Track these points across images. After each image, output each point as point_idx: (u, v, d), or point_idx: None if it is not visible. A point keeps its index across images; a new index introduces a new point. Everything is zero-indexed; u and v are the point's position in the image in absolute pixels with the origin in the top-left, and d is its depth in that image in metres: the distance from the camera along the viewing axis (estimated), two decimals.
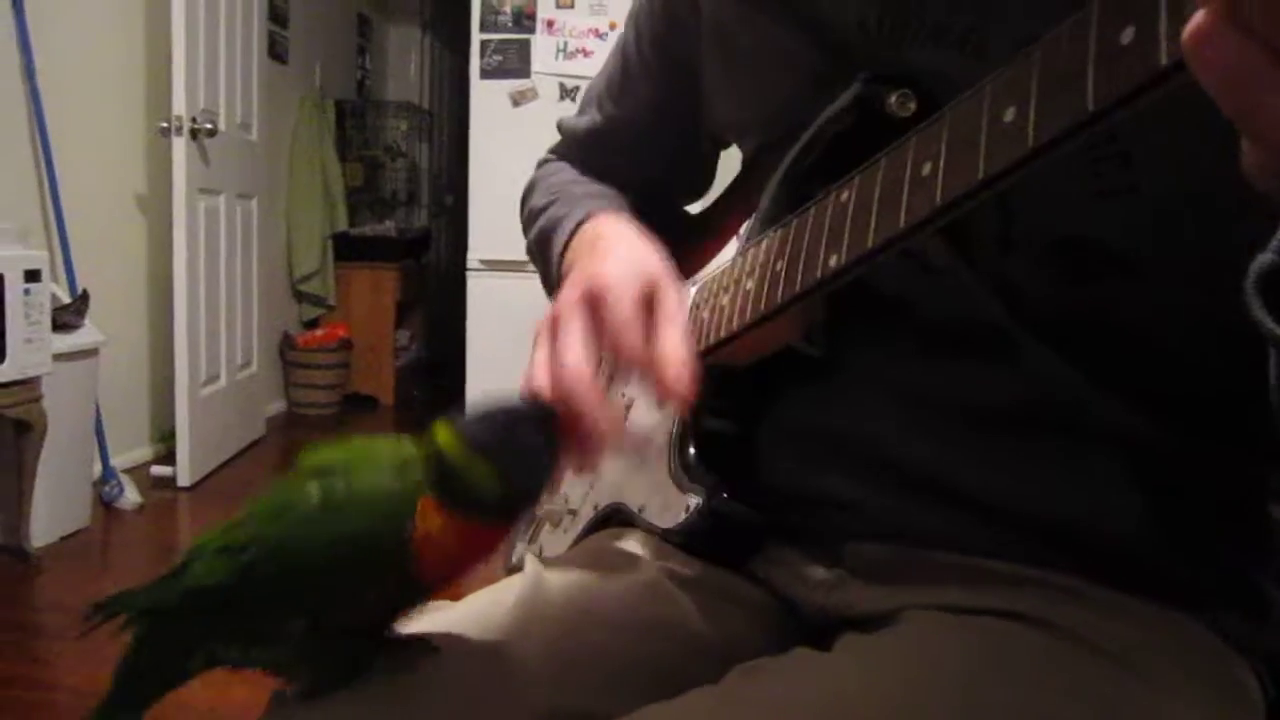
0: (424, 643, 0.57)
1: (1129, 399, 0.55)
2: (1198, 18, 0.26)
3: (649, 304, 0.56)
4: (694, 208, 0.88)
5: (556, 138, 0.91)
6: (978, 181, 0.41)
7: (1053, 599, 0.56)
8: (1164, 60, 0.33)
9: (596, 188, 0.81)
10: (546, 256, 0.77)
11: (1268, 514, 0.59)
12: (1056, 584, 0.56)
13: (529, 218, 0.84)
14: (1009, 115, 0.40)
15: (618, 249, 0.62)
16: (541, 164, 0.91)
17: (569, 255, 0.71)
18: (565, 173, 0.86)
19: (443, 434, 0.49)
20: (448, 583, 0.52)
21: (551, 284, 0.77)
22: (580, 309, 0.56)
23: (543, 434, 0.50)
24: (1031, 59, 0.40)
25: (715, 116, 0.74)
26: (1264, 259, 0.39)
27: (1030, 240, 0.54)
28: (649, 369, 0.53)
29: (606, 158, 0.84)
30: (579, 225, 0.72)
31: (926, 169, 0.45)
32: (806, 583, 0.65)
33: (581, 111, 0.87)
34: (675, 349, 0.53)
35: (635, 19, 0.80)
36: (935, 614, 0.57)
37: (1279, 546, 0.59)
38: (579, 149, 0.87)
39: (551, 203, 0.80)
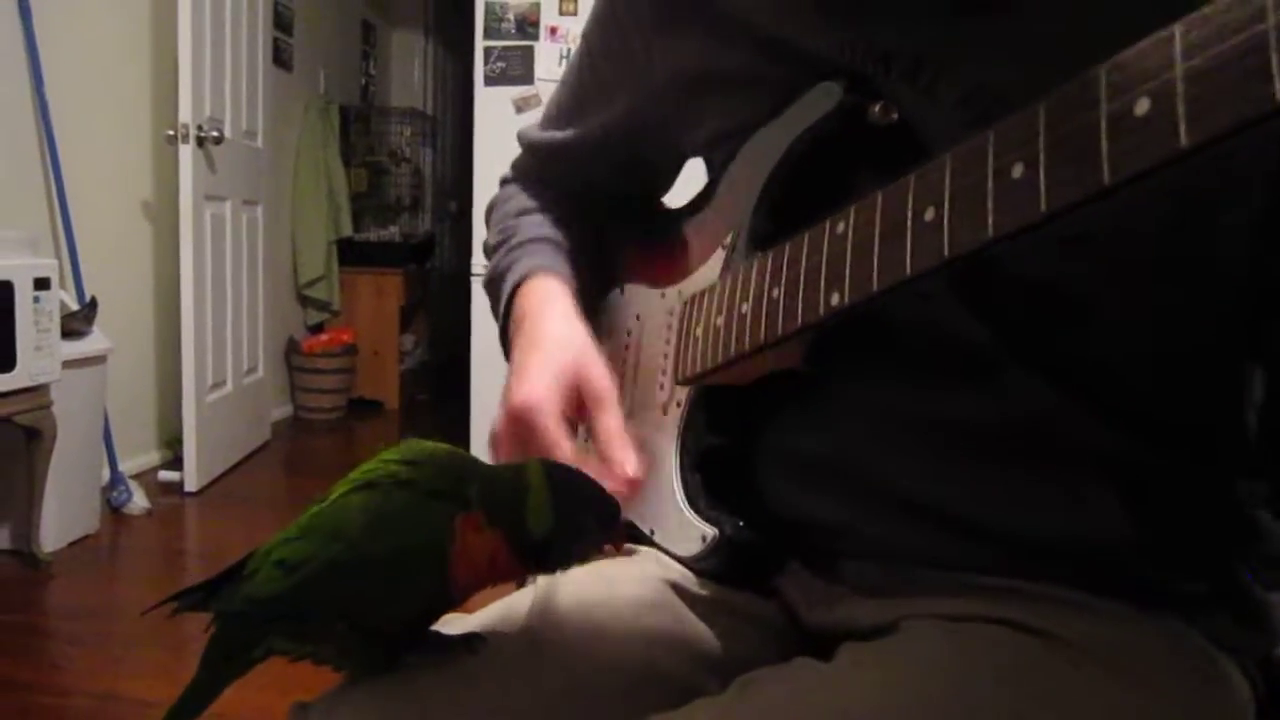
0: (466, 641, 0.61)
1: (1109, 419, 0.57)
2: None
3: (576, 397, 0.65)
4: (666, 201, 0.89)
5: None
6: (989, 238, 0.42)
7: (1044, 607, 0.57)
8: (1184, 142, 0.34)
9: (544, 229, 0.83)
10: (494, 300, 0.83)
11: (1250, 519, 0.61)
12: (1050, 595, 0.58)
13: (486, 250, 0.88)
14: (1017, 172, 0.41)
15: (541, 341, 0.69)
16: (503, 183, 0.93)
17: (512, 319, 0.76)
18: (519, 200, 0.88)
19: (534, 464, 0.55)
20: (469, 595, 0.57)
21: (499, 323, 0.81)
22: (511, 437, 0.64)
23: (600, 520, 0.56)
24: (1036, 116, 0.41)
25: (680, 136, 0.75)
26: None
27: (1005, 280, 0.56)
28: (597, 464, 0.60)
29: (566, 170, 0.86)
30: (518, 286, 0.77)
31: (930, 215, 0.46)
32: (810, 602, 0.66)
33: (543, 125, 0.88)
34: (611, 437, 0.62)
35: (588, 40, 0.80)
36: (931, 622, 0.59)
37: (1263, 549, 0.61)
38: (539, 162, 0.89)
39: (502, 243, 0.84)
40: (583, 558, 0.58)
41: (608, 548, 0.60)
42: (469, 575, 0.54)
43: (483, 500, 0.54)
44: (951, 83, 0.56)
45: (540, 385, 0.64)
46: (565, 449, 0.61)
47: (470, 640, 0.61)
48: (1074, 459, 0.58)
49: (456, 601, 0.57)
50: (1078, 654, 0.55)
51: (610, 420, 0.63)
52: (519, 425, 0.63)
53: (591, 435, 0.64)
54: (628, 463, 0.60)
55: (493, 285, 0.83)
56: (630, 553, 0.72)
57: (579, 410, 0.65)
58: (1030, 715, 0.53)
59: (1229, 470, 0.60)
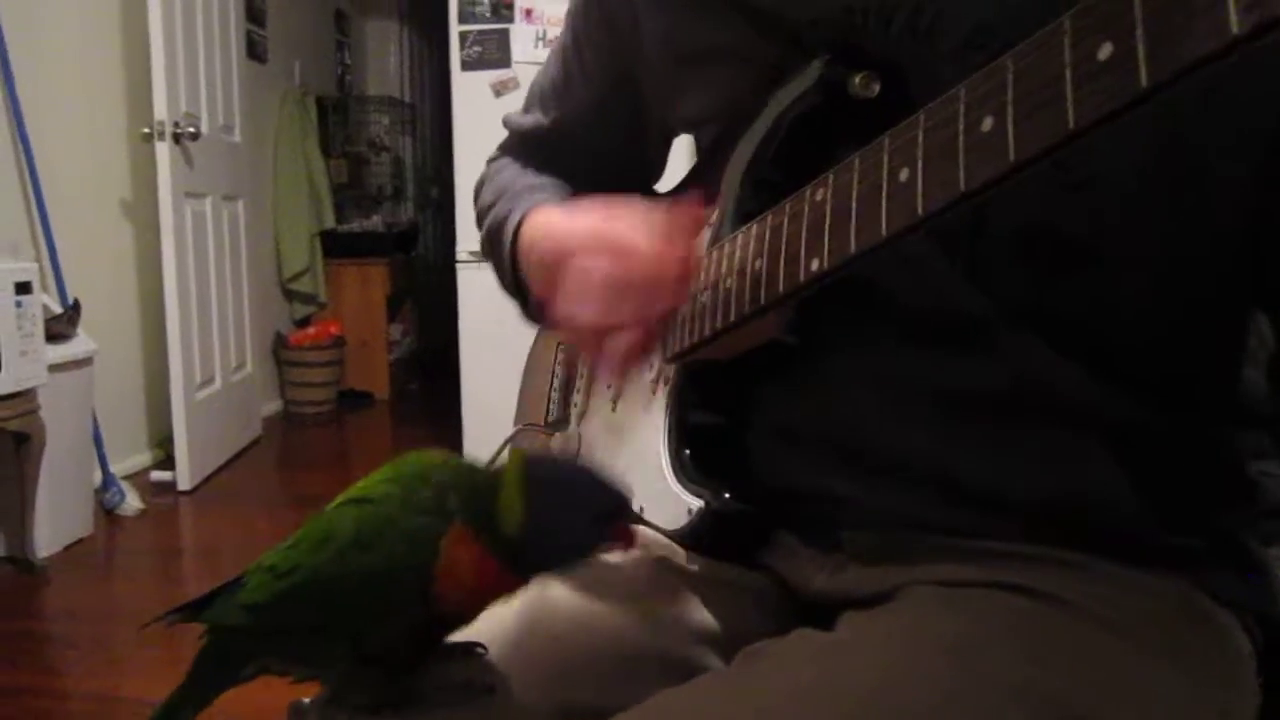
0: (484, 685, 0.60)
1: (1106, 378, 0.56)
2: None
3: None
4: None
5: None
6: (960, 194, 0.42)
7: (1044, 570, 0.57)
8: (1145, 82, 0.34)
9: (541, 180, 0.82)
10: (498, 253, 0.79)
11: (1249, 474, 0.60)
12: (1047, 557, 0.58)
13: (479, 216, 0.86)
14: (987, 125, 0.41)
15: (576, 213, 0.66)
16: (491, 161, 0.92)
17: (520, 250, 0.73)
18: (510, 169, 0.87)
19: (512, 460, 0.53)
20: (463, 617, 0.56)
21: (504, 277, 0.79)
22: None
23: (595, 518, 0.53)
24: (1004, 69, 0.41)
25: (667, 114, 0.75)
26: None
27: (999, 230, 0.56)
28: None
29: (554, 154, 0.85)
30: (523, 220, 0.74)
31: (905, 175, 0.46)
32: (806, 568, 0.66)
33: (527, 110, 0.87)
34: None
35: (572, 21, 0.80)
36: (931, 588, 0.58)
37: (1261, 504, 0.60)
38: (526, 147, 0.89)
39: (498, 199, 0.82)
40: (574, 557, 0.56)
41: (614, 547, 0.57)
42: (457, 591, 0.53)
43: (463, 508, 0.53)
44: (955, 21, 0.55)
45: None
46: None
47: (485, 685, 0.60)
48: (1071, 419, 0.58)
49: (449, 621, 0.57)
50: (1080, 615, 0.55)
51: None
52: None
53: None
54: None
55: (493, 236, 0.80)
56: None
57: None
58: (1035, 678, 0.52)
59: (1228, 424, 0.60)
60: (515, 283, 0.78)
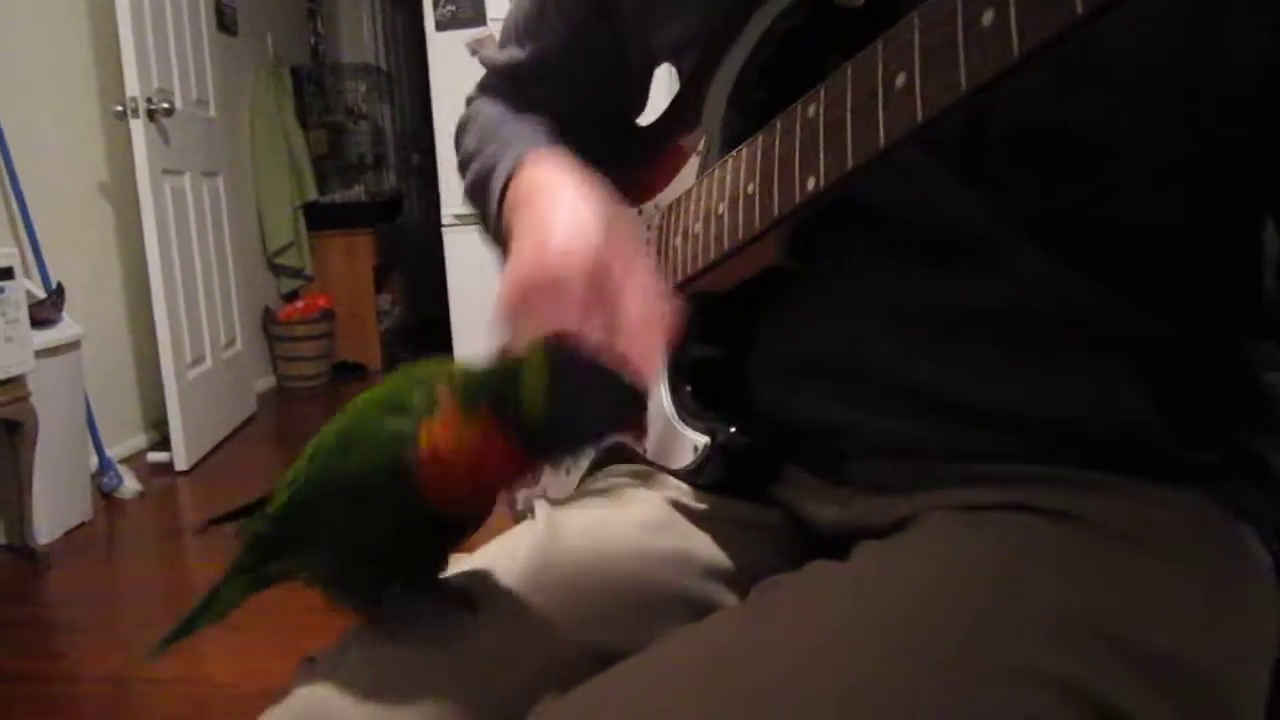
0: (463, 597, 0.59)
1: (1118, 292, 0.55)
2: None
3: (603, 272, 0.56)
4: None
5: None
6: (962, 93, 0.40)
7: (1063, 490, 0.56)
8: None
9: (526, 124, 0.79)
10: (484, 202, 0.76)
11: (1264, 384, 0.59)
12: (1065, 477, 0.56)
13: (463, 161, 0.83)
14: (987, 19, 0.39)
15: (553, 213, 0.60)
16: (470, 101, 0.89)
17: (507, 206, 0.70)
18: (492, 110, 0.84)
19: (534, 346, 0.51)
20: (469, 515, 0.55)
21: (491, 228, 0.76)
22: (531, 301, 0.56)
23: (614, 406, 0.51)
24: None
25: (648, 40, 0.73)
26: None
27: (1003, 134, 0.54)
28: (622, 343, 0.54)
29: (533, 89, 0.83)
30: (513, 172, 0.71)
31: (901, 80, 0.44)
32: (818, 500, 0.65)
33: (503, 45, 0.84)
34: (642, 321, 0.54)
35: None
36: (950, 513, 0.57)
37: (1276, 415, 0.59)
38: (505, 83, 0.86)
39: (483, 146, 0.79)
40: (589, 444, 0.54)
41: (630, 435, 0.55)
42: (449, 479, 0.51)
43: (466, 390, 0.51)
44: None
45: (574, 240, 0.56)
46: (592, 319, 0.54)
47: (467, 598, 0.59)
48: (1082, 334, 0.56)
49: (455, 522, 0.55)
50: (1103, 533, 0.54)
51: (640, 302, 0.55)
52: (536, 290, 0.56)
53: (616, 316, 0.56)
54: (653, 353, 0.54)
55: (480, 183, 0.77)
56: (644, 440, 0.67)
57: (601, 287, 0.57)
58: (1072, 597, 0.51)
59: (1243, 336, 0.58)
60: (499, 232, 0.76)
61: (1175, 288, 0.56)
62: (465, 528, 0.56)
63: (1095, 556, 0.54)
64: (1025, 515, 0.55)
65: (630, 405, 0.51)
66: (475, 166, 0.79)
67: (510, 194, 0.70)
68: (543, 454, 0.52)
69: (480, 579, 0.61)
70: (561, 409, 0.49)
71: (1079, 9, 0.35)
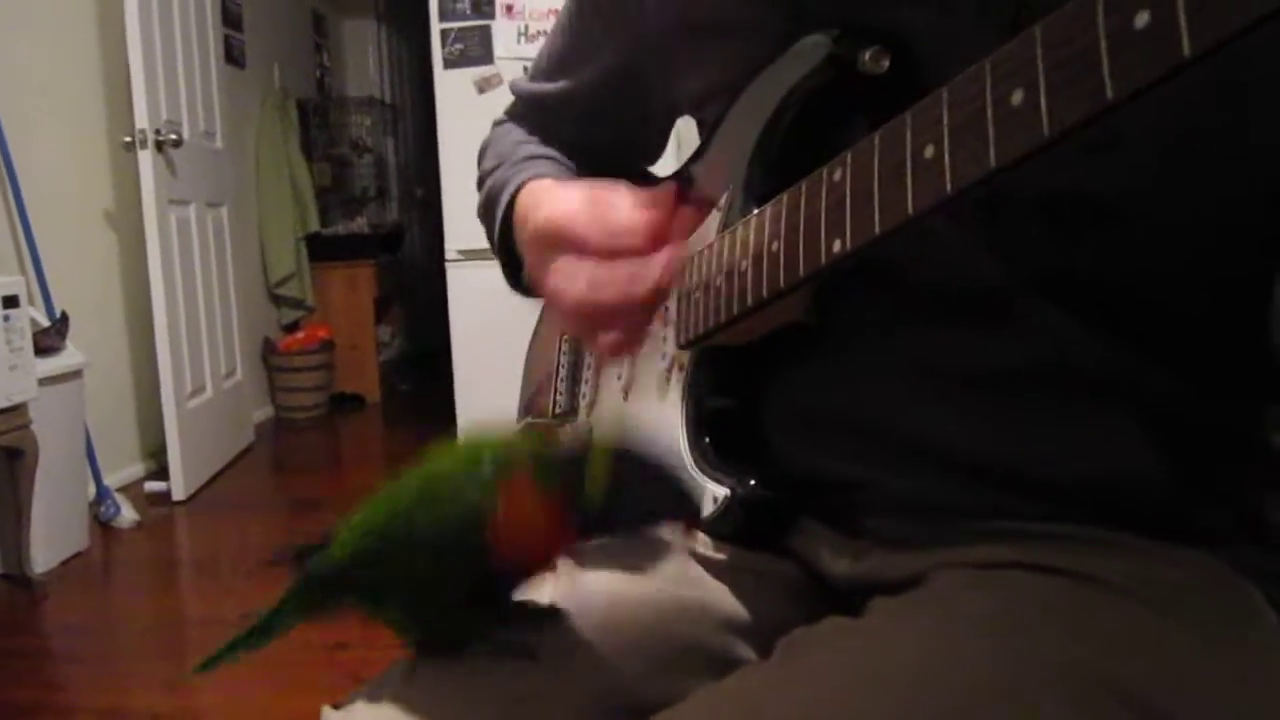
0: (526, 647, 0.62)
1: (1131, 351, 0.56)
2: None
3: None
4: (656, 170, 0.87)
5: None
6: (991, 169, 0.42)
7: (1075, 549, 0.56)
8: (1187, 51, 0.33)
9: (543, 150, 0.82)
10: (490, 219, 0.79)
11: (1271, 445, 0.60)
12: (1077, 535, 0.57)
13: (479, 180, 0.85)
14: (1017, 99, 0.40)
15: (567, 190, 0.65)
16: (496, 124, 0.92)
17: (515, 218, 0.73)
18: (515, 134, 0.86)
19: (603, 438, 0.58)
20: (522, 570, 0.60)
21: (494, 243, 0.79)
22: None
23: (668, 502, 0.58)
24: (1034, 38, 0.40)
25: (674, 88, 0.74)
26: None
27: (1023, 198, 0.55)
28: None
29: (556, 122, 0.85)
30: (521, 188, 0.74)
31: (930, 152, 0.45)
32: (833, 553, 0.65)
33: (534, 77, 0.86)
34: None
35: None
36: (961, 571, 0.58)
37: None
38: (532, 113, 0.88)
39: (499, 165, 0.81)
40: (643, 528, 0.60)
41: (677, 525, 0.61)
42: (516, 542, 0.56)
43: (538, 467, 0.56)
44: None
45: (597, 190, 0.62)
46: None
47: (526, 647, 0.62)
48: (1098, 394, 0.57)
49: (508, 577, 0.60)
50: (1114, 592, 0.55)
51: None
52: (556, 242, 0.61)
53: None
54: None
55: (489, 203, 0.81)
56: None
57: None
58: (1079, 655, 0.52)
59: (1254, 397, 0.59)
60: (505, 251, 0.78)
61: (1188, 348, 0.56)
62: (518, 583, 0.61)
63: (1103, 614, 0.54)
64: (1035, 574, 0.56)
65: (679, 505, 0.58)
66: (488, 185, 0.82)
67: (516, 209, 0.74)
68: (597, 535, 0.59)
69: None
70: (616, 504, 0.55)
71: (1109, 94, 0.36)
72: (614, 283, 0.58)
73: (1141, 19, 0.35)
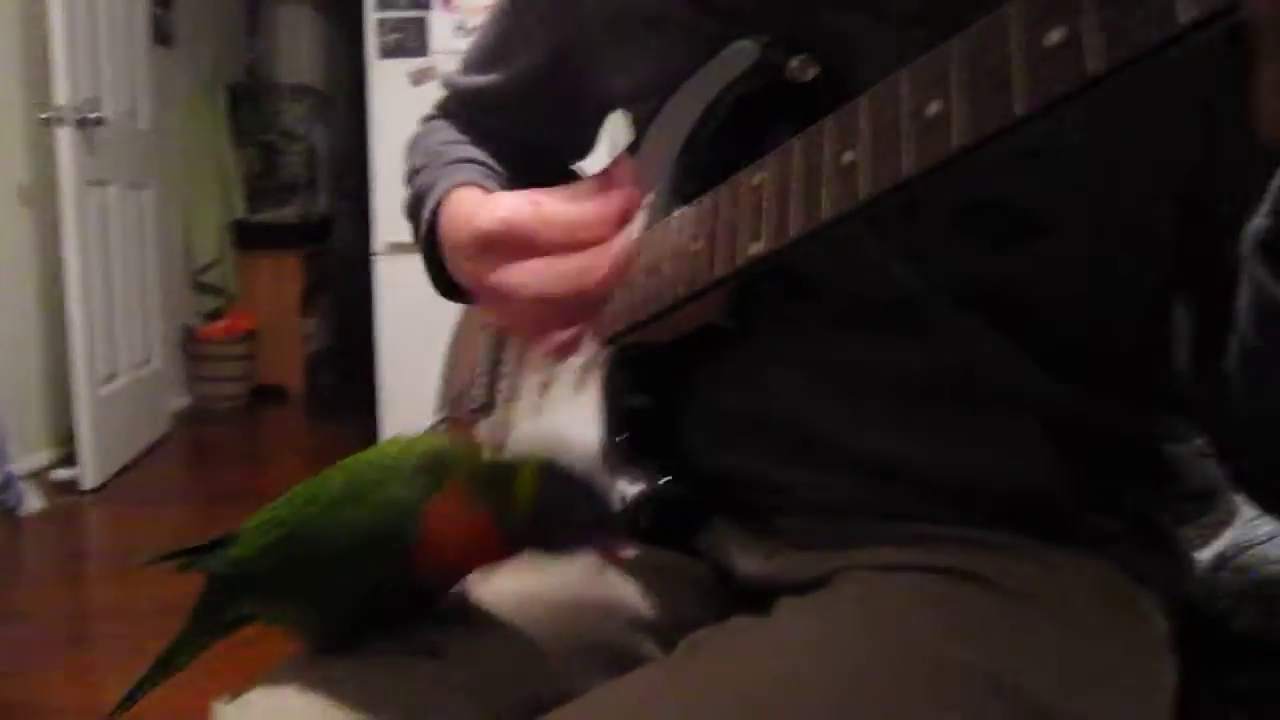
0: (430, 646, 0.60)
1: (1035, 360, 0.57)
2: None
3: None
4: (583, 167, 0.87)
5: None
6: (904, 178, 0.42)
7: (977, 552, 0.58)
8: (1093, 69, 0.34)
9: (473, 152, 0.80)
10: (417, 220, 0.78)
11: (1166, 457, 0.62)
12: (979, 539, 0.59)
13: (407, 175, 0.84)
14: (932, 110, 0.41)
15: (506, 195, 0.64)
16: (426, 119, 0.90)
17: (441, 225, 0.72)
18: (444, 132, 0.85)
19: (534, 449, 0.56)
20: (439, 587, 0.59)
21: (421, 244, 0.77)
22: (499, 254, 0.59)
23: (594, 524, 0.56)
24: (951, 51, 0.41)
25: (607, 84, 0.74)
26: (1260, 224, 0.41)
27: (941, 206, 0.56)
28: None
29: (487, 118, 0.84)
30: (446, 194, 0.72)
31: (848, 158, 0.46)
32: (744, 552, 0.66)
33: (465, 70, 0.85)
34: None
35: None
36: (867, 573, 0.59)
37: (1177, 486, 0.63)
38: (463, 107, 0.87)
39: (427, 165, 0.80)
40: (572, 545, 0.57)
41: (600, 555, 0.58)
42: (440, 557, 0.55)
43: (469, 479, 0.55)
44: None
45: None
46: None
47: (431, 648, 0.60)
48: (1003, 403, 0.59)
49: (423, 587, 0.58)
50: (1002, 592, 0.56)
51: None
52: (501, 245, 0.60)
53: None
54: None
55: (414, 205, 0.78)
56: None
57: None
58: (953, 649, 0.54)
59: (1149, 407, 0.62)
60: (431, 252, 0.76)
61: (1091, 358, 0.58)
62: (436, 595, 0.59)
63: (992, 613, 0.56)
64: (936, 576, 0.58)
65: (604, 523, 0.56)
66: (415, 185, 0.80)
67: (441, 217, 0.72)
68: (522, 551, 0.56)
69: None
70: (543, 519, 0.54)
71: (1017, 109, 0.37)
72: (565, 277, 0.58)
73: (1052, 36, 0.36)
